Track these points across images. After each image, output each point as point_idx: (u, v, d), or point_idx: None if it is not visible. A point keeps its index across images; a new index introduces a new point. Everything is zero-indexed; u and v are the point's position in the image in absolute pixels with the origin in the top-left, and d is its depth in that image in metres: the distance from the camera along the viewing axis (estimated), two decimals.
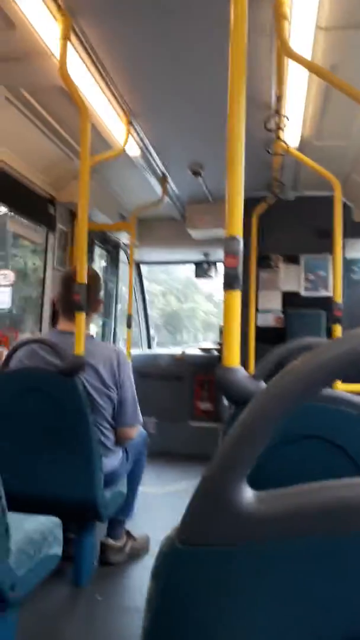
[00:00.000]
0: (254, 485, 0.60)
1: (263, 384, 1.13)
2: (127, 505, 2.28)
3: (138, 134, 2.86)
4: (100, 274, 4.48)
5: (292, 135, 2.70)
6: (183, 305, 15.84)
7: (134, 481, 2.34)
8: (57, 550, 1.50)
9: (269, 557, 0.38)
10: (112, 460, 2.07)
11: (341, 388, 2.44)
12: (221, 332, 4.79)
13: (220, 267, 5.01)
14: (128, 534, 2.31)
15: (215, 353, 4.55)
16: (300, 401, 0.37)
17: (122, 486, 2.18)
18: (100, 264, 4.69)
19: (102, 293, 2.30)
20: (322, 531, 0.37)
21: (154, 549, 2.33)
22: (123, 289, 4.86)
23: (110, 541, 2.22)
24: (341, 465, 1.06)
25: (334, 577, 0.38)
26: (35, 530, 1.44)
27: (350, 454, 1.08)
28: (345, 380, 2.43)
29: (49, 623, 1.72)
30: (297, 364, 0.38)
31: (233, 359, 1.13)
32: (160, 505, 2.94)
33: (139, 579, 2.13)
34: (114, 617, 1.78)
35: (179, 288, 15.42)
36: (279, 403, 0.37)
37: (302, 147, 2.84)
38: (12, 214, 3.27)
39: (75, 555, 1.99)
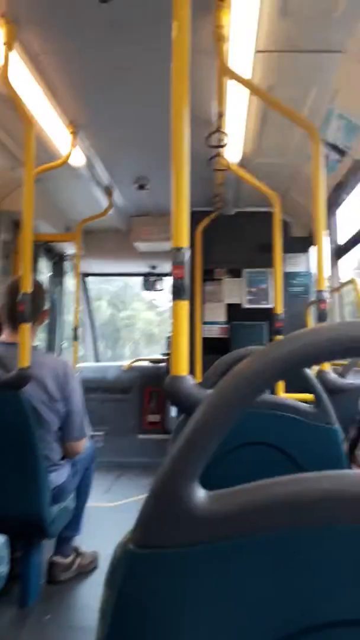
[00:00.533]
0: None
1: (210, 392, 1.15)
2: (75, 520, 2.23)
3: (83, 145, 2.87)
4: (46, 284, 4.42)
5: (233, 152, 2.79)
6: (120, 313, 14.40)
7: (82, 496, 2.30)
8: (3, 569, 1.45)
9: (224, 555, 0.38)
10: (59, 475, 2.03)
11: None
12: (169, 342, 4.83)
13: (167, 280, 5.07)
14: (76, 550, 2.26)
15: (164, 364, 4.57)
16: (246, 401, 0.38)
17: (70, 501, 2.14)
18: (45, 275, 4.62)
19: (47, 304, 2.27)
20: (276, 526, 0.38)
21: (103, 565, 2.30)
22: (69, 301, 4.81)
23: (58, 558, 2.17)
24: (285, 470, 1.09)
25: (291, 570, 0.38)
26: None
27: (296, 459, 1.12)
28: (289, 390, 2.51)
29: None
30: (240, 367, 0.39)
31: (181, 367, 1.15)
32: (109, 519, 2.89)
33: (89, 596, 2.08)
34: (63, 637, 1.74)
35: (115, 292, 13.89)
36: (225, 405, 0.38)
37: (243, 164, 2.94)
38: None
39: (21, 574, 1.93)
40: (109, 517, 2.94)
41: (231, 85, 2.09)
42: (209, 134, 2.22)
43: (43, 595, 2.00)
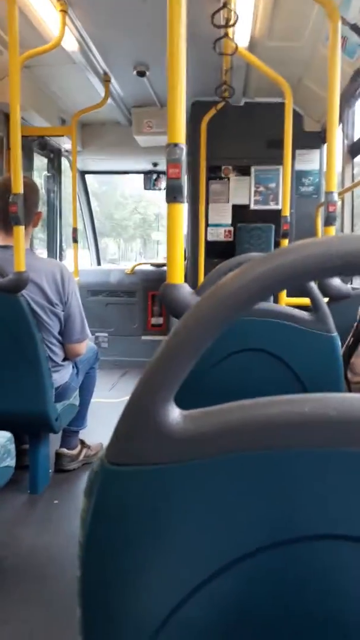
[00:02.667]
0: (198, 397, 0.61)
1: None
2: (79, 416, 2.35)
3: (75, 26, 2.59)
4: (42, 184, 4.25)
5: (241, 34, 2.52)
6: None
7: (85, 393, 2.40)
8: (11, 462, 1.54)
9: (196, 475, 0.39)
10: (62, 375, 2.09)
11: (286, 302, 2.51)
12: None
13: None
14: (82, 442, 2.40)
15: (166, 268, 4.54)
16: (234, 314, 0.36)
17: (74, 399, 2.23)
18: (41, 173, 4.43)
19: (43, 205, 2.19)
20: (248, 449, 0.38)
21: None
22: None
23: (65, 450, 2.31)
24: (282, 376, 1.10)
25: (268, 490, 0.39)
26: None
27: (291, 366, 1.12)
28: (290, 294, 2.50)
29: (7, 528, 1.82)
30: (225, 282, 0.37)
31: (176, 275, 1.13)
32: (113, 414, 3.02)
33: None
34: (69, 519, 1.90)
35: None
36: (204, 322, 0.36)
37: (252, 48, 2.67)
38: None
39: (31, 464, 2.06)
40: (113, 411, 3.07)
41: None
42: (214, 11, 1.99)
43: (51, 483, 2.15)
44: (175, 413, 0.38)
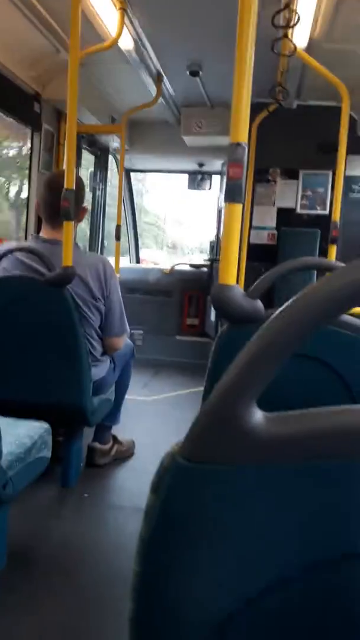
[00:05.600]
0: None
1: (259, 303, 1.11)
2: (114, 411, 2.35)
3: (133, 25, 2.61)
4: (88, 180, 4.30)
5: (300, 35, 2.48)
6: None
7: (121, 389, 2.41)
8: (47, 453, 1.56)
9: (275, 479, 0.38)
10: (100, 370, 2.10)
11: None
12: (212, 248, 4.74)
13: (215, 179, 4.84)
14: (115, 438, 2.41)
15: (205, 269, 4.52)
16: (326, 318, 0.35)
17: (110, 394, 2.24)
18: (87, 169, 4.48)
19: (87, 202, 2.20)
20: (331, 457, 0.37)
21: (139, 453, 2.46)
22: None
23: (98, 445, 2.32)
24: (331, 385, 1.07)
25: (340, 501, 0.38)
26: (26, 434, 1.49)
27: (343, 376, 1.09)
28: None
29: (39, 519, 1.84)
30: (322, 284, 0.36)
31: (230, 276, 1.11)
32: (146, 412, 3.05)
33: (124, 479, 2.25)
34: (99, 514, 1.90)
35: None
36: (301, 323, 0.35)
37: (309, 49, 2.62)
38: None
39: (63, 457, 2.08)
40: (146, 410, 3.10)
41: None
42: (275, 11, 1.96)
43: (83, 477, 2.16)
44: (258, 415, 0.38)
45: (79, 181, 2.11)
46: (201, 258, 5.47)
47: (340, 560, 0.39)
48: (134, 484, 2.15)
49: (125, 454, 2.43)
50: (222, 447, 0.38)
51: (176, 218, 13.76)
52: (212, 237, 4.89)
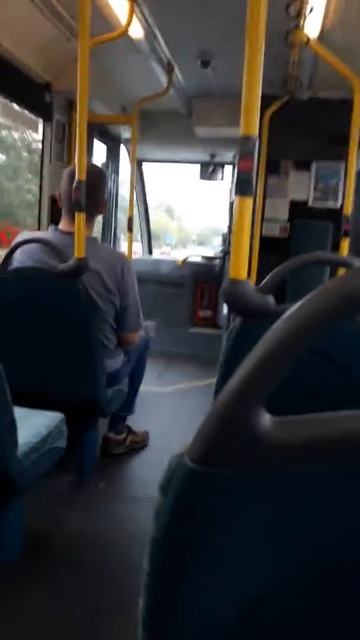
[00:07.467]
0: None
1: (271, 299, 1.12)
2: (128, 402, 2.38)
3: (143, 14, 2.59)
4: None
5: (312, 26, 2.45)
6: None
7: (135, 380, 2.44)
8: (62, 443, 1.59)
9: (282, 483, 0.38)
10: (115, 362, 2.13)
11: None
12: (224, 240, 4.73)
13: (227, 170, 4.82)
14: (129, 429, 2.44)
15: (217, 262, 4.52)
16: (340, 319, 0.34)
17: (124, 385, 2.26)
18: (99, 160, 4.48)
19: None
20: (339, 462, 0.36)
21: (153, 443, 2.49)
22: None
23: (112, 435, 2.36)
24: (339, 382, 1.07)
25: (350, 508, 0.38)
26: (42, 424, 1.52)
27: (351, 371, 1.09)
28: None
29: (54, 508, 1.87)
30: (333, 285, 0.34)
31: (241, 270, 1.11)
32: (159, 403, 3.08)
33: (138, 469, 2.29)
34: (113, 503, 1.94)
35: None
36: (308, 327, 0.34)
37: (321, 40, 2.59)
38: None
39: (78, 447, 2.11)
40: (159, 401, 3.13)
41: None
42: (287, 2, 1.94)
43: (97, 467, 2.20)
44: (266, 419, 0.37)
45: (100, 172, 2.10)
46: (197, 251, 5.46)
47: (352, 567, 0.39)
48: (147, 474, 2.18)
49: (139, 444, 2.46)
50: (229, 451, 0.37)
51: (165, 207, 13.55)
52: (225, 229, 4.88)
